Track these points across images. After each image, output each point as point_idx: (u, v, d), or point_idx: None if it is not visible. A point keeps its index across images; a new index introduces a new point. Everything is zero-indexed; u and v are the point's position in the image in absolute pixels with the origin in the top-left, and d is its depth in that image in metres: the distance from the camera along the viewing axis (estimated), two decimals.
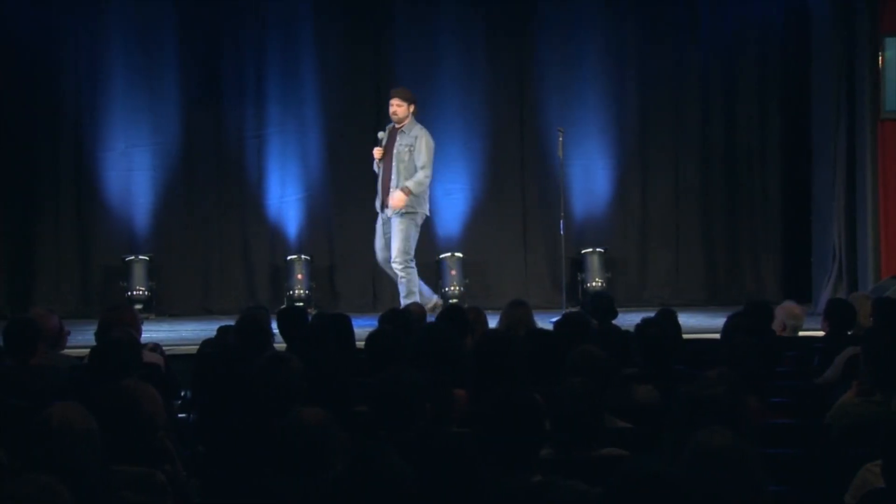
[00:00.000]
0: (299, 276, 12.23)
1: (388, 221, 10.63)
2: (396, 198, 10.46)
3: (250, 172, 12.66)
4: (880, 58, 11.49)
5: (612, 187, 12.93)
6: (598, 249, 12.55)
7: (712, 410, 4.00)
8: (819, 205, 12.16)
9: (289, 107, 12.64)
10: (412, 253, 10.61)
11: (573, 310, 9.96)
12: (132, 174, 12.50)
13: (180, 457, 5.13)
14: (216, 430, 5.25)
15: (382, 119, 12.59)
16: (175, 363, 7.69)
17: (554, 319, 7.77)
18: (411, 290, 10.55)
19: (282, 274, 12.45)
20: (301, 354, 5.42)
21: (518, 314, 7.49)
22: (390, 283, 12.65)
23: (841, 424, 5.23)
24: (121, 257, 12.25)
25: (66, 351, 7.66)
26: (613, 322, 7.82)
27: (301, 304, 11.74)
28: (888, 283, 10.64)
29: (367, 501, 3.39)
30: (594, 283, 12.35)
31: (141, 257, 12.22)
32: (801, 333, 8.34)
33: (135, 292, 12.05)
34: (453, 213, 12.79)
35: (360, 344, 6.73)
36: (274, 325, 7.32)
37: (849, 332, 7.43)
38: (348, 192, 12.48)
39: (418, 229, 10.64)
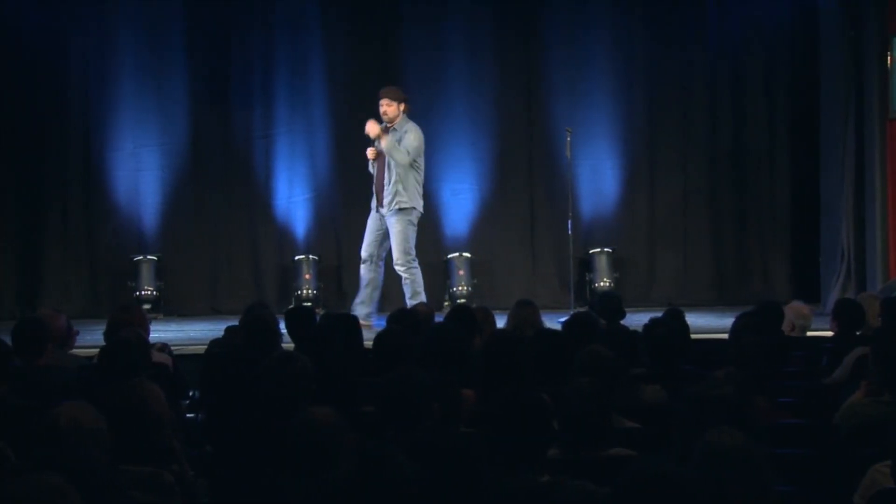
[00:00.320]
0: (307, 276, 12.24)
1: (381, 220, 10.58)
2: (376, 129, 10.41)
3: (258, 173, 12.67)
4: (888, 58, 11.46)
5: (620, 187, 12.92)
6: (606, 249, 12.55)
7: (720, 410, 4.00)
8: (827, 204, 12.13)
9: (296, 107, 12.65)
10: (413, 252, 10.57)
11: (581, 310, 9.95)
12: (140, 174, 12.52)
13: (188, 456, 5.14)
14: (224, 429, 5.25)
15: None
16: (183, 363, 7.69)
17: (562, 319, 7.77)
18: (416, 290, 10.53)
19: (289, 274, 12.47)
20: (309, 354, 5.42)
21: (525, 314, 7.49)
22: (398, 283, 12.69)
23: (850, 425, 5.22)
24: (129, 257, 12.27)
25: (75, 351, 7.67)
26: (621, 322, 7.82)
27: (309, 304, 11.75)
28: None
29: (374, 501, 3.39)
30: (602, 283, 12.35)
31: (149, 257, 12.25)
32: (809, 333, 8.33)
33: (143, 292, 12.07)
34: (461, 213, 12.79)
35: (368, 344, 6.73)
36: (282, 325, 7.32)
37: (857, 333, 7.42)
38: (356, 193, 12.46)
39: (415, 227, 10.59)
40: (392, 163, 10.42)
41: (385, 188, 10.47)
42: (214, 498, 4.71)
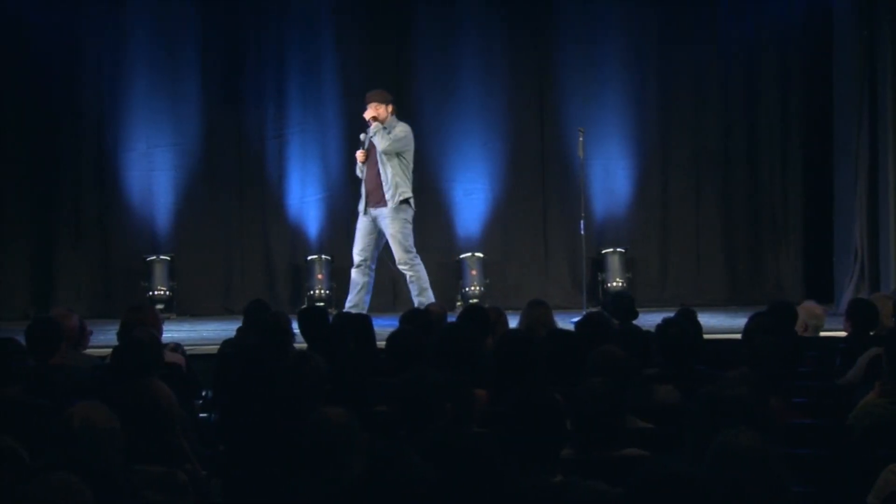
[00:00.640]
0: (319, 276, 12.26)
1: (372, 222, 10.54)
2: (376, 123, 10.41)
3: (271, 173, 12.68)
4: None
5: (633, 187, 12.91)
6: (618, 249, 12.54)
7: (734, 411, 3.99)
8: (841, 204, 12.10)
9: (309, 107, 12.66)
10: (413, 249, 10.55)
11: (594, 310, 9.94)
12: (154, 174, 12.54)
13: (201, 456, 5.14)
14: (237, 429, 5.26)
15: (403, 119, 12.60)
16: (196, 363, 7.71)
17: (574, 320, 7.77)
18: (422, 286, 10.51)
19: (302, 274, 12.48)
20: (322, 354, 5.42)
21: (537, 314, 7.48)
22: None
23: (863, 425, 5.20)
24: (142, 257, 12.30)
25: (89, 351, 7.69)
26: (634, 322, 7.80)
27: (322, 304, 11.76)
28: None
29: (387, 501, 3.39)
30: (614, 283, 12.33)
31: (162, 257, 12.27)
32: (822, 334, 8.31)
33: (156, 292, 12.09)
34: (474, 214, 12.79)
35: (381, 344, 6.73)
36: (294, 325, 7.33)
37: (871, 333, 7.39)
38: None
39: (411, 224, 10.57)
40: (386, 159, 10.39)
41: (384, 185, 10.43)
42: (227, 498, 4.71)
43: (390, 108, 10.57)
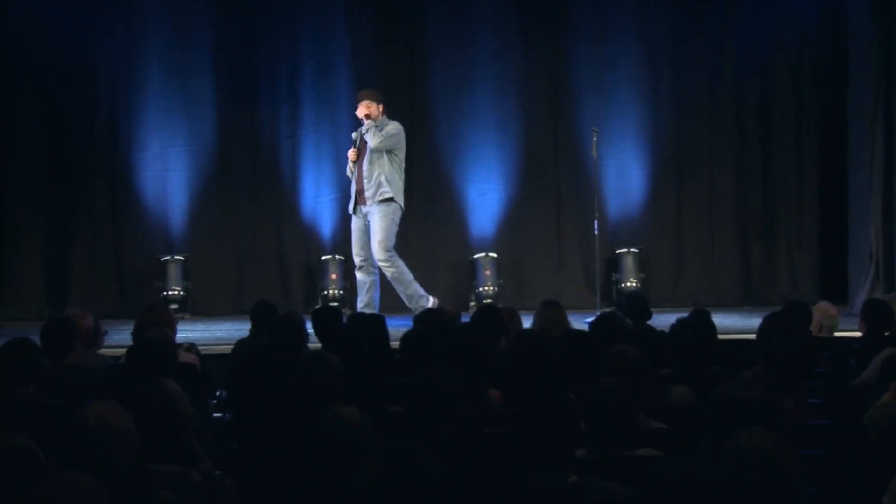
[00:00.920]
0: (333, 276, 12.26)
1: (365, 221, 10.48)
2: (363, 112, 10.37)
3: (284, 173, 12.70)
4: None
5: (647, 187, 12.89)
6: (632, 249, 12.52)
7: (748, 411, 3.98)
8: (856, 204, 12.07)
9: (323, 107, 12.67)
10: (393, 249, 10.43)
11: (607, 310, 9.93)
12: (167, 175, 12.57)
13: (215, 456, 5.15)
14: (251, 429, 5.27)
15: (416, 119, 12.63)
16: (210, 363, 7.71)
17: (588, 320, 7.76)
18: (406, 280, 10.40)
19: (316, 274, 12.49)
20: (336, 354, 5.42)
21: (551, 314, 7.47)
22: (425, 283, 12.67)
23: (879, 426, 5.18)
24: (156, 257, 12.32)
25: (104, 350, 7.71)
26: (648, 322, 7.79)
27: (335, 303, 11.77)
28: None
29: (400, 502, 3.39)
30: (628, 284, 12.32)
31: (176, 257, 12.29)
32: (837, 334, 8.28)
33: (170, 292, 12.12)
34: (487, 214, 12.79)
35: (395, 344, 6.73)
36: (308, 325, 7.33)
37: (886, 333, 7.37)
38: None
39: (397, 225, 10.48)
40: (376, 157, 10.37)
41: (366, 182, 10.39)
42: (241, 498, 4.72)
43: (381, 107, 10.54)
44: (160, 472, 4.13)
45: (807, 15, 12.87)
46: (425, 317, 7.27)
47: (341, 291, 12.18)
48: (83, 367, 6.58)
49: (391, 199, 10.37)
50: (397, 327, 7.44)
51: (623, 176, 12.83)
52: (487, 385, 5.59)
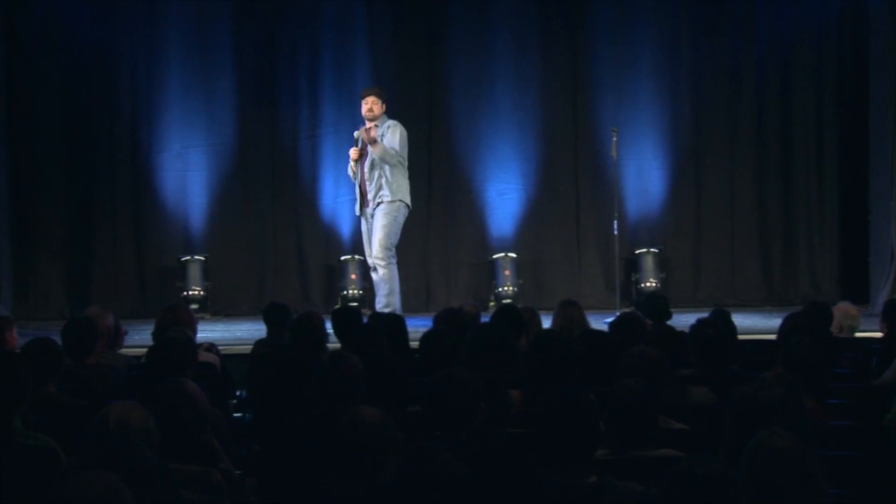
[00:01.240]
0: (353, 276, 12.28)
1: (370, 218, 10.43)
2: (371, 134, 10.28)
3: (304, 173, 12.72)
4: None
5: (667, 187, 12.87)
6: (652, 249, 12.50)
7: (769, 412, 3.97)
8: (876, 204, 12.03)
9: (343, 107, 12.68)
10: (393, 249, 10.40)
11: (627, 310, 9.92)
12: (188, 175, 12.61)
13: (235, 456, 5.16)
14: (271, 429, 5.28)
15: (436, 119, 12.65)
16: (230, 363, 7.73)
17: (608, 320, 7.75)
18: (392, 287, 10.33)
19: (336, 274, 12.51)
20: (356, 354, 5.43)
21: (570, 314, 7.46)
22: (445, 283, 12.67)
23: None
24: (177, 258, 12.36)
25: (124, 350, 7.74)
26: (668, 323, 7.78)
27: (355, 303, 11.79)
28: None
29: (421, 502, 3.39)
30: (648, 284, 12.31)
31: (196, 257, 12.33)
32: (858, 334, 8.26)
33: (190, 292, 12.16)
34: (506, 214, 12.79)
35: (414, 344, 6.74)
36: (328, 325, 7.34)
37: None
38: None
39: (400, 224, 10.43)
40: (376, 160, 10.34)
41: (368, 183, 10.34)
42: (262, 497, 4.73)
43: (384, 105, 10.53)
44: (181, 471, 4.14)
45: (827, 14, 12.83)
46: (445, 317, 7.27)
47: (361, 291, 12.20)
48: (104, 366, 6.61)
49: (400, 202, 10.33)
50: (417, 327, 7.44)
51: (643, 176, 12.82)
52: (507, 385, 5.58)
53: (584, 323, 7.42)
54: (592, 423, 4.17)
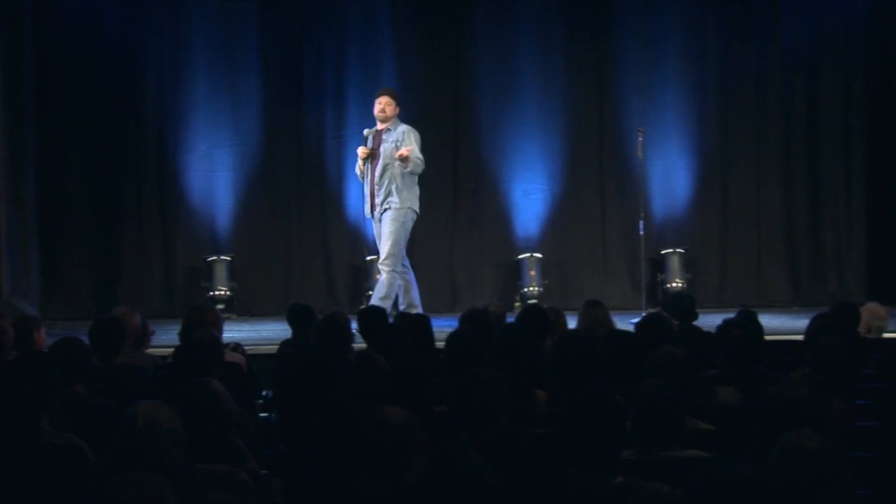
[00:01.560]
0: (378, 276, 12.26)
1: (379, 222, 10.36)
2: (403, 150, 10.15)
3: (330, 173, 12.74)
4: None
5: (693, 187, 12.83)
6: (678, 250, 12.47)
7: (797, 413, 3.96)
8: None
9: (368, 108, 12.58)
10: (400, 256, 10.30)
11: (653, 311, 9.89)
12: (214, 175, 12.64)
13: (261, 456, 5.17)
14: (298, 429, 5.29)
15: (461, 120, 12.65)
16: (256, 363, 7.75)
17: (634, 320, 7.74)
18: (388, 293, 10.21)
19: (361, 274, 12.52)
20: (381, 354, 5.43)
21: (595, 314, 7.45)
22: (470, 283, 12.66)
23: None
24: (203, 258, 12.40)
25: (151, 350, 7.77)
26: (694, 323, 7.76)
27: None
28: None
29: (447, 501, 3.39)
30: (674, 284, 12.27)
31: (223, 258, 12.36)
32: (886, 335, 8.22)
33: (216, 292, 12.19)
34: (532, 214, 12.77)
35: (440, 344, 6.74)
36: (354, 325, 7.35)
37: None
38: (426, 192, 12.46)
39: (408, 230, 10.41)
40: (388, 165, 10.30)
41: (377, 188, 10.31)
42: (288, 497, 4.74)
43: (398, 108, 10.51)
44: (208, 471, 4.15)
45: (854, 15, 12.77)
46: (471, 317, 7.27)
47: None
48: (131, 366, 6.64)
49: (409, 209, 10.31)
50: (442, 328, 7.44)
51: (669, 176, 12.78)
52: (533, 385, 5.58)
53: (610, 323, 7.41)
54: (618, 423, 4.16)
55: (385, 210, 10.30)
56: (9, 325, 7.27)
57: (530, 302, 11.84)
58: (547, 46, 12.78)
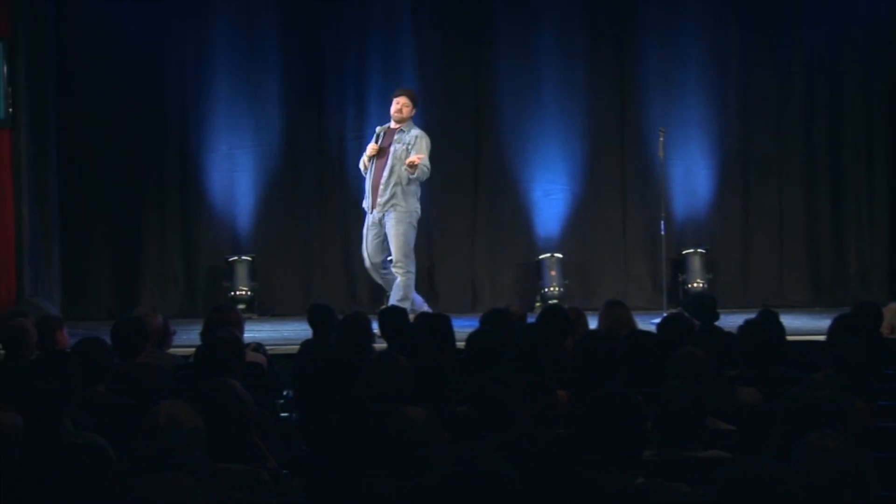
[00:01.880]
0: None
1: (378, 222, 10.45)
2: (414, 157, 10.20)
3: (351, 173, 12.72)
4: None
5: (714, 188, 12.79)
6: (699, 250, 12.43)
7: (819, 413, 3.95)
8: None
9: (388, 109, 12.68)
10: (412, 255, 10.41)
11: (674, 311, 9.87)
12: (235, 176, 12.66)
13: (282, 456, 5.18)
14: (319, 429, 5.30)
15: (482, 120, 12.65)
16: (277, 362, 7.77)
17: (655, 321, 7.73)
18: (406, 294, 10.29)
19: None
20: (402, 354, 5.44)
21: (616, 314, 7.45)
22: (491, 283, 12.65)
23: None
24: (224, 258, 12.42)
25: (173, 350, 7.80)
26: (715, 324, 7.75)
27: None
28: None
29: (468, 501, 3.40)
30: (695, 284, 12.24)
31: (244, 258, 12.38)
32: None
33: (238, 292, 12.20)
34: (553, 214, 12.75)
35: (460, 344, 6.74)
36: (375, 325, 7.37)
37: None
38: (446, 193, 12.52)
39: (416, 229, 10.46)
40: (396, 166, 10.32)
41: (382, 188, 10.33)
42: (309, 497, 4.75)
43: (414, 110, 10.53)
44: (229, 471, 4.16)
45: (878, 17, 12.71)
46: (492, 317, 7.28)
47: None
48: (153, 366, 6.67)
49: (413, 209, 10.35)
50: (463, 328, 7.44)
51: (690, 176, 12.74)
52: (554, 385, 5.58)
53: (631, 323, 7.40)
54: (640, 423, 4.16)
55: (389, 211, 10.32)
56: (31, 324, 7.32)
57: (551, 302, 11.81)
58: (568, 46, 12.75)
